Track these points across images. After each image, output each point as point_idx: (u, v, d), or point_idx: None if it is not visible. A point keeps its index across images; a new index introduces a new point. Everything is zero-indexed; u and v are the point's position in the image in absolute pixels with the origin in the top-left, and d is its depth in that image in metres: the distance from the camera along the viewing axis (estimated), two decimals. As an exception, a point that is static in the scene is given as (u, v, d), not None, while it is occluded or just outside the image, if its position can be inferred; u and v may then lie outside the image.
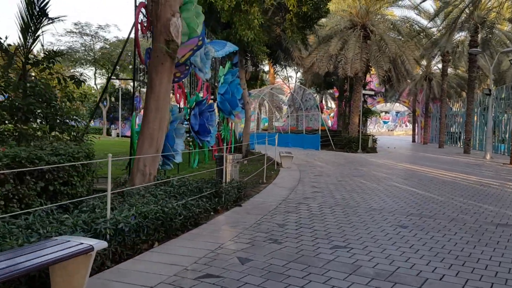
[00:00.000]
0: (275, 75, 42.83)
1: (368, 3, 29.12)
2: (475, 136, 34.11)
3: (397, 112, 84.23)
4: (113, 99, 46.58)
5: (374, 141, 30.48)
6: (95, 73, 42.91)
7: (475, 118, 33.48)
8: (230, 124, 19.00)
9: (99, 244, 4.02)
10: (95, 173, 8.89)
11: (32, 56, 8.71)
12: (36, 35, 8.73)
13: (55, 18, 8.51)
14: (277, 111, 49.70)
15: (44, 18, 8.61)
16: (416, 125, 51.13)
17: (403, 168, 18.16)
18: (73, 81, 8.88)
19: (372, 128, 77.65)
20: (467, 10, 29.17)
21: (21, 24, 8.61)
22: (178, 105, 12.39)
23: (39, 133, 8.60)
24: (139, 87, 31.09)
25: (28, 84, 8.36)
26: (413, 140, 49.69)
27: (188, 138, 13.44)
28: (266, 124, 48.99)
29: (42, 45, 8.66)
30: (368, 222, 7.59)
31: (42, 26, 8.80)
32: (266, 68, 39.77)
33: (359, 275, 4.86)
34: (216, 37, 16.81)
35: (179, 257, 5.33)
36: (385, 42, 27.53)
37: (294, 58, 22.24)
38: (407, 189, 11.88)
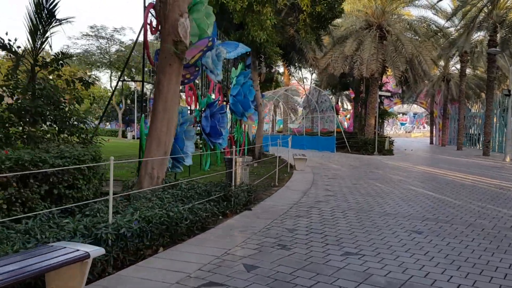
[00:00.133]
0: (290, 77, 42.51)
1: (384, 3, 28.71)
2: (495, 138, 33.38)
3: (415, 114, 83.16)
4: (128, 101, 46.84)
5: (391, 143, 30.01)
6: (110, 75, 43.24)
7: (495, 120, 32.76)
8: (243, 126, 18.83)
9: (96, 251, 3.87)
10: (104, 175, 8.79)
11: (41, 58, 8.66)
12: (45, 37, 8.69)
13: (63, 20, 8.45)
14: (292, 113, 49.41)
15: (53, 19, 8.56)
16: (434, 126, 50.33)
17: (420, 171, 17.77)
18: (81, 83, 8.80)
19: (389, 130, 76.74)
20: (485, 9, 28.59)
21: (30, 26, 8.60)
22: (188, 107, 12.25)
23: (48, 135, 8.54)
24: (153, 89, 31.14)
25: (37, 86, 8.31)
26: (431, 142, 48.91)
27: (199, 140, 13.29)
28: (281, 126, 48.74)
29: (51, 47, 8.56)
30: (382, 228, 7.33)
31: (51, 28, 8.76)
32: (281, 69, 39.55)
33: (370, 284, 4.63)
34: (229, 38, 16.67)
35: (183, 264, 5.16)
36: (401, 42, 27.08)
37: (308, 59, 21.99)
38: (423, 192, 11.55)
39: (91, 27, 38.83)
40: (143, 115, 10.07)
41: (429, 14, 75.99)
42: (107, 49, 39.88)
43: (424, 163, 22.34)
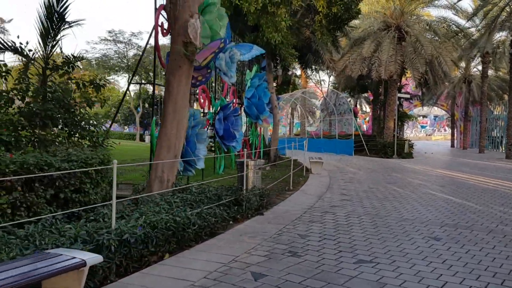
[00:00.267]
0: (307, 79, 42.23)
1: (403, 4, 28.23)
2: (518, 141, 32.39)
3: (436, 116, 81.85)
4: (146, 105, 47.10)
5: (411, 146, 29.45)
6: (128, 79, 43.53)
7: (518, 122, 31.81)
8: (259, 129, 18.65)
9: (93, 259, 3.72)
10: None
11: (52, 61, 8.62)
12: (56, 40, 8.64)
13: (73, 22, 8.39)
14: (310, 115, 49.05)
15: (63, 22, 8.51)
16: (455, 129, 49.32)
17: (440, 175, 17.31)
18: (92, 85, 8.72)
19: (409, 132, 75.68)
20: (507, 8, 27.86)
21: (41, 29, 8.55)
22: (202, 109, 12.12)
23: (60, 139, 8.48)
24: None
25: (48, 90, 8.26)
26: (452, 145, 47.94)
27: (211, 143, 13.15)
28: (299, 129, 48.42)
29: (61, 49, 8.50)
30: (398, 234, 7.04)
31: (62, 30, 8.72)
32: (298, 72, 39.30)
33: (383, 295, 4.38)
34: (244, 40, 16.51)
35: (188, 271, 4.98)
36: (420, 43, 26.54)
37: (325, 61, 21.66)
38: (443, 197, 11.17)
39: (109, 32, 39.22)
40: (154, 118, 9.95)
41: (449, 14, 74.78)
42: (125, 53, 40.20)
43: (444, 166, 21.80)
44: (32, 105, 7.83)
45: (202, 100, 12.11)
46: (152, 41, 10.01)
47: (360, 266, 5.31)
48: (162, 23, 9.47)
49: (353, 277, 4.89)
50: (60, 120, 8.29)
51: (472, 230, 7.41)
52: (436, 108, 59.66)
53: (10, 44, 8.68)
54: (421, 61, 26.36)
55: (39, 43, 8.56)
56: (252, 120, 17.20)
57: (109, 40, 38.79)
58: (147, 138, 45.83)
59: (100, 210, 5.88)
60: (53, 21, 8.47)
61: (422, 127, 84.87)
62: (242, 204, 7.95)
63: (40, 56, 8.61)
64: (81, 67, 43.67)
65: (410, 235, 6.94)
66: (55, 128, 8.62)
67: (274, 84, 32.80)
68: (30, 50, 8.71)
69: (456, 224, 7.84)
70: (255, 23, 15.32)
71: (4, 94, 8.04)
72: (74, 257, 3.61)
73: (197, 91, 11.89)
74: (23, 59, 8.65)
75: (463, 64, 40.19)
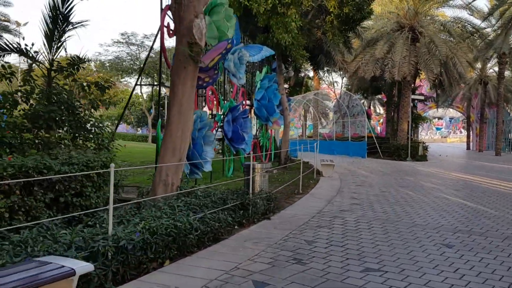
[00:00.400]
0: (320, 81, 41.88)
1: (417, 4, 27.80)
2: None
3: (451, 118, 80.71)
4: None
5: (425, 148, 28.96)
6: (141, 81, 43.64)
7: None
8: (270, 131, 18.44)
9: (83, 267, 3.56)
10: (120, 182, 8.57)
11: (56, 62, 8.53)
12: (61, 41, 8.56)
13: (78, 23, 8.30)
14: (323, 117, 48.67)
15: (68, 24, 8.43)
16: (471, 131, 48.53)
17: (454, 178, 16.92)
18: (97, 87, 8.62)
19: (424, 134, 74.78)
20: (525, 8, 27.29)
21: (46, 31, 8.47)
22: (210, 111, 11.96)
23: (66, 141, 8.38)
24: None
25: (53, 91, 8.17)
26: (468, 148, 47.15)
27: (218, 146, 12.99)
28: (312, 131, 48.07)
29: (66, 50, 8.42)
30: (409, 240, 6.78)
31: (68, 31, 8.63)
32: (311, 73, 38.99)
33: (390, 307, 4.15)
34: (254, 42, 16.34)
35: (187, 279, 4.80)
36: (435, 44, 26.07)
37: (337, 62, 21.38)
38: (456, 201, 10.85)
39: (122, 34, 39.40)
40: (160, 120, 9.82)
41: (464, 14, 73.82)
42: (138, 56, 40.34)
43: (459, 169, 21.36)
44: (36, 107, 7.74)
45: (210, 102, 11.93)
46: (158, 42, 9.88)
47: (367, 275, 5.08)
48: (168, 23, 9.35)
49: (359, 287, 4.68)
50: (65, 123, 8.18)
51: (487, 236, 7.13)
52: (451, 110, 58.81)
53: (15, 46, 8.63)
54: (435, 62, 25.91)
55: (44, 45, 8.48)
56: (262, 122, 17.01)
57: (122, 43, 39.03)
58: (160, 140, 45.77)
59: (100, 214, 5.74)
60: (58, 23, 8.39)
61: (437, 129, 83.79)
62: (248, 208, 7.75)
63: (45, 57, 8.53)
64: (94, 69, 44.04)
65: (421, 242, 6.68)
66: (60, 130, 8.53)
67: (287, 86, 32.69)
68: (35, 52, 8.65)
69: (470, 230, 7.55)
70: (265, 24, 15.14)
71: (8, 96, 7.98)
72: (63, 266, 3.46)
73: (205, 93, 11.73)
74: (29, 61, 8.58)
75: (478, 65, 39.51)
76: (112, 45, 39.98)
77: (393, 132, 32.69)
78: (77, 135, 8.40)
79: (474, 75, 40.83)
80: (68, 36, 8.53)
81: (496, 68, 36.77)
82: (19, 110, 8.27)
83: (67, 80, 8.64)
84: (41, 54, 8.30)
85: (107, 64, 42.65)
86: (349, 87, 38.23)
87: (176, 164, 7.77)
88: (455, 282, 4.86)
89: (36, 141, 7.82)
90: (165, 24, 9.24)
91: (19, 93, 8.03)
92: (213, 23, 10.20)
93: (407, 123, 28.46)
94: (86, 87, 8.58)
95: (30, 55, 8.56)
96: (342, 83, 47.67)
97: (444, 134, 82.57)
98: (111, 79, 44.25)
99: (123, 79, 43.60)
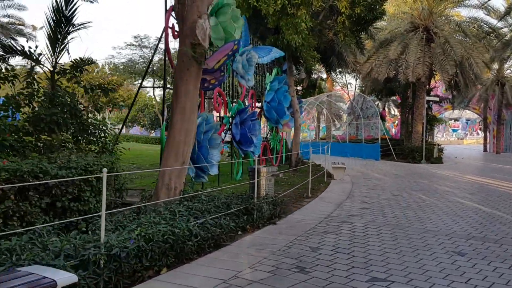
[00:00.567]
0: (333, 83, 41.50)
1: (431, 4, 27.29)
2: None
3: (467, 120, 79.42)
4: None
5: (440, 150, 28.39)
6: (153, 84, 43.71)
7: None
8: (281, 134, 18.22)
9: (66, 279, 3.38)
10: (124, 186, 8.43)
11: (60, 64, 8.44)
12: (64, 43, 8.47)
13: (80, 25, 8.19)
14: (337, 119, 48.23)
15: (71, 26, 8.33)
16: (488, 133, 47.61)
17: (470, 181, 16.47)
18: (100, 90, 8.50)
19: (440, 136, 73.67)
20: (543, 7, 26.62)
21: (49, 33, 8.39)
22: (217, 113, 11.79)
23: (69, 145, 8.27)
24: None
25: (56, 94, 8.07)
26: (485, 150, 46.23)
27: (224, 148, 12.79)
28: (325, 133, 47.63)
29: (68, 52, 8.31)
30: (419, 247, 6.50)
31: (71, 33, 8.54)
32: (324, 75, 38.61)
33: (395, 321, 3.90)
34: (264, 43, 16.13)
35: (183, 289, 4.61)
36: (450, 44, 25.53)
37: (349, 64, 21.04)
38: (471, 205, 10.50)
39: (135, 37, 39.54)
40: (164, 123, 9.66)
41: (480, 14, 72.55)
42: (150, 58, 40.32)
43: (475, 172, 20.85)
44: (37, 110, 7.64)
45: (217, 104, 11.75)
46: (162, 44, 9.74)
47: (373, 285, 4.84)
48: (173, 25, 9.20)
49: (363, 299, 4.43)
50: (68, 126, 8.07)
51: (502, 244, 6.81)
52: (467, 111, 57.75)
53: (19, 48, 8.57)
54: (450, 62, 25.37)
55: (47, 47, 8.40)
56: (272, 124, 16.79)
57: (134, 45, 39.11)
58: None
59: (98, 220, 5.58)
60: (61, 25, 8.30)
61: (454, 130, 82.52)
62: (252, 213, 7.54)
63: (49, 60, 8.45)
64: (108, 71, 44.26)
65: (432, 249, 6.40)
66: (64, 133, 8.42)
67: (300, 88, 32.39)
68: (39, 54, 8.57)
69: (484, 237, 7.23)
70: (276, 25, 14.93)
71: (11, 98, 7.90)
72: (44, 277, 3.29)
73: (212, 95, 11.56)
74: (33, 63, 8.51)
75: (495, 66, 38.68)
76: (125, 47, 40.11)
77: (407, 134, 32.15)
78: (80, 138, 8.29)
79: (490, 76, 39.98)
80: (72, 38, 8.43)
81: (514, 69, 36.02)
82: (22, 114, 8.19)
83: (70, 82, 8.52)
84: (44, 55, 8.20)
85: (121, 67, 42.78)
86: (363, 88, 37.75)
87: (179, 168, 7.60)
88: (465, 294, 4.59)
89: (38, 144, 7.72)
90: (170, 25, 9.09)
91: (21, 96, 7.92)
92: (219, 24, 10.04)
93: (422, 125, 27.95)
94: (89, 90, 8.46)
95: (34, 57, 8.49)
96: (356, 84, 47.19)
97: (460, 136, 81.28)
98: (125, 82, 44.42)
99: (137, 82, 43.66)
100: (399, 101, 38.55)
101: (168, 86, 10.14)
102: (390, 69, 26.98)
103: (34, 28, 46.49)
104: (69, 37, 8.34)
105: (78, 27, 8.28)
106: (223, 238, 6.40)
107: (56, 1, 8.31)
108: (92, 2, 13.57)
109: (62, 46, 8.36)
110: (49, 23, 8.38)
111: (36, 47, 8.50)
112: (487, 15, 31.54)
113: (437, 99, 30.30)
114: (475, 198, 11.74)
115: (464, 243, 6.80)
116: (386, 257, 5.98)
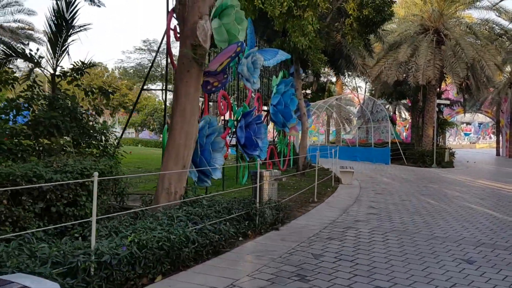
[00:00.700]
0: (342, 86, 41.19)
1: (442, 6, 26.95)
2: None
3: (480, 123, 78.51)
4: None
5: (451, 154, 27.94)
6: (162, 87, 43.84)
7: None
8: (288, 137, 18.00)
9: (47, 289, 3.20)
10: (125, 190, 8.29)
11: (61, 67, 8.35)
12: (64, 45, 8.38)
13: (81, 27, 8.10)
14: (347, 123, 47.86)
15: (72, 28, 8.24)
16: (501, 137, 46.88)
17: (481, 186, 16.11)
18: (101, 92, 8.38)
19: (452, 140, 72.84)
20: (557, 8, 26.11)
21: (50, 35, 8.31)
22: (221, 116, 11.63)
23: (70, 149, 8.16)
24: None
25: (56, 97, 7.97)
26: (498, 154, 45.52)
27: (228, 152, 12.59)
28: (335, 137, 47.27)
29: (69, 55, 8.22)
30: (426, 255, 6.26)
31: (71, 35, 8.45)
32: (334, 79, 38.36)
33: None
34: (271, 46, 15.95)
35: (176, 298, 4.43)
36: (461, 46, 25.14)
37: (357, 66, 20.80)
38: (482, 211, 10.20)
39: (144, 41, 39.62)
40: (166, 126, 9.51)
41: (491, 15, 71.74)
42: (159, 62, 40.45)
43: (487, 176, 20.44)
44: (36, 113, 7.54)
45: (222, 107, 11.58)
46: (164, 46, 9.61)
47: (375, 295, 4.62)
48: (175, 26, 9.05)
49: (365, 310, 4.22)
50: (68, 129, 7.95)
51: (513, 251, 6.54)
52: (480, 114, 57.00)
53: (20, 51, 8.50)
54: (461, 65, 24.97)
55: (48, 49, 8.31)
56: (279, 128, 16.59)
57: (143, 50, 39.26)
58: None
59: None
60: (62, 27, 8.21)
61: (466, 134, 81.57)
62: (254, 218, 7.34)
63: (49, 62, 8.36)
64: (118, 76, 44.45)
65: (439, 257, 6.15)
66: (66, 137, 8.32)
67: (309, 91, 32.16)
68: (40, 57, 8.49)
69: (494, 244, 6.96)
70: (282, 27, 14.77)
71: (12, 102, 7.82)
72: (24, 286, 3.11)
73: (217, 97, 11.41)
74: (32, 65, 8.43)
75: (508, 68, 38.10)
76: (134, 52, 40.24)
77: (418, 138, 31.74)
78: (80, 141, 8.17)
79: (503, 78, 39.39)
80: (72, 41, 8.34)
81: (527, 71, 35.43)
82: (25, 116, 8.11)
83: (70, 85, 8.42)
84: (45, 58, 8.12)
85: (131, 71, 42.93)
86: (373, 92, 37.40)
87: (179, 172, 7.44)
88: (473, 305, 4.35)
89: (37, 148, 7.62)
90: (172, 26, 8.96)
91: (21, 99, 7.84)
92: (223, 26, 9.88)
93: (433, 129, 27.56)
94: (90, 92, 8.34)
95: (35, 60, 8.41)
96: (365, 88, 46.84)
97: (473, 139, 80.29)
98: (134, 86, 44.55)
99: (146, 86, 43.77)
100: (410, 104, 38.14)
101: (170, 88, 10.00)
102: (400, 72, 26.68)
103: (46, 33, 46.87)
104: (69, 39, 8.24)
105: (79, 29, 8.20)
106: (222, 245, 6.22)
107: (57, 4, 8.23)
108: (99, 6, 13.56)
109: (63, 49, 8.27)
110: (49, 25, 8.30)
111: (37, 49, 8.44)
112: (499, 16, 31.03)
113: (447, 102, 29.90)
114: (486, 204, 11.43)
115: (473, 250, 6.54)
116: (391, 264, 5.75)
